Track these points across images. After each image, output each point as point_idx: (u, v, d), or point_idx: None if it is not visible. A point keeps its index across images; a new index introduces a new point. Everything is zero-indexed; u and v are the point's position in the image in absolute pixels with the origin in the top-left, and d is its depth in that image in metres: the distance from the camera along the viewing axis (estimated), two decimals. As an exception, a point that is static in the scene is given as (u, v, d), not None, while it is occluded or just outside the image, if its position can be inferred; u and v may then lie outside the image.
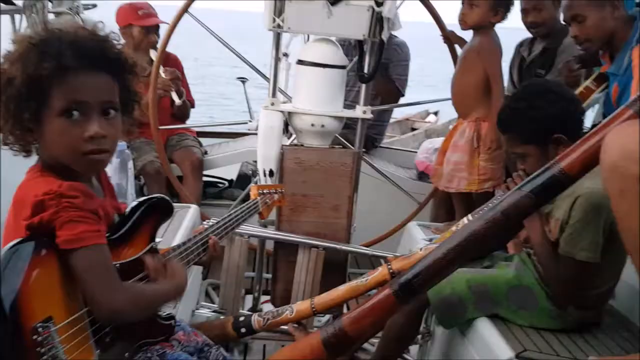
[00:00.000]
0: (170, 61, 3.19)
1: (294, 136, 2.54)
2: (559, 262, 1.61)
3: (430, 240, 2.23)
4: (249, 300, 2.60)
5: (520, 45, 2.87)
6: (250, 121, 3.41)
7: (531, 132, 1.64)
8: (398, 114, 5.66)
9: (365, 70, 2.32)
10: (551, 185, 1.14)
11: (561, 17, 2.41)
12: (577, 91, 2.17)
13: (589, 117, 2.52)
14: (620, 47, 2.06)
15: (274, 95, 2.33)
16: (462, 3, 2.30)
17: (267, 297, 2.54)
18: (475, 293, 1.70)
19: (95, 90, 1.06)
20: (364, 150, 2.49)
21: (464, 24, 2.29)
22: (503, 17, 2.28)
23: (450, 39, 2.59)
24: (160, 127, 2.91)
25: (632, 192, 1.00)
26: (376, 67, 2.29)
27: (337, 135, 2.51)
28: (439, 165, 2.47)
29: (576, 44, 2.18)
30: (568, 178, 1.12)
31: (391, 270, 1.82)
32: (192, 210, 2.43)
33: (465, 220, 1.76)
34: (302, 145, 2.37)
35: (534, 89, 1.73)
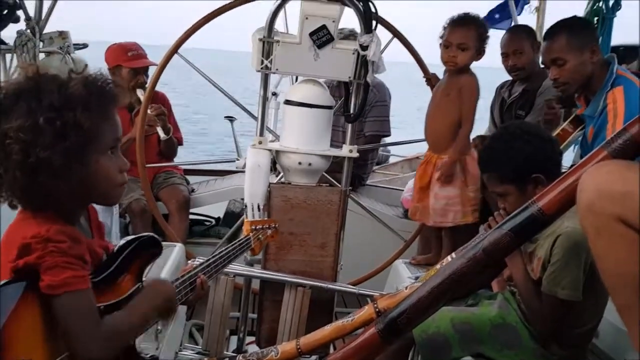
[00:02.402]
0: (158, 99, 3.23)
1: (281, 174, 2.56)
2: (542, 300, 1.62)
3: (416, 278, 2.24)
4: (233, 341, 2.56)
5: (501, 87, 2.96)
6: (237, 159, 3.43)
7: (510, 172, 1.68)
8: (407, 152, 5.49)
9: (351, 111, 2.37)
10: (530, 224, 1.16)
11: (540, 60, 2.49)
12: (554, 133, 2.23)
13: (569, 158, 2.58)
14: (596, 91, 2.12)
15: (261, 133, 2.37)
16: (445, 46, 2.37)
17: (252, 338, 2.51)
18: (459, 331, 1.71)
19: (120, 127, 1.15)
20: (350, 188, 2.52)
21: (453, 65, 2.36)
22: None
23: (432, 80, 2.67)
24: (147, 165, 2.92)
25: (608, 231, 1.02)
26: (362, 107, 2.34)
27: (324, 173, 2.53)
28: (420, 202, 2.49)
29: (554, 87, 2.25)
30: (546, 217, 1.14)
31: (377, 309, 1.80)
32: (177, 249, 2.42)
33: (448, 258, 1.77)
34: (289, 183, 2.39)
35: (512, 130, 1.78)
